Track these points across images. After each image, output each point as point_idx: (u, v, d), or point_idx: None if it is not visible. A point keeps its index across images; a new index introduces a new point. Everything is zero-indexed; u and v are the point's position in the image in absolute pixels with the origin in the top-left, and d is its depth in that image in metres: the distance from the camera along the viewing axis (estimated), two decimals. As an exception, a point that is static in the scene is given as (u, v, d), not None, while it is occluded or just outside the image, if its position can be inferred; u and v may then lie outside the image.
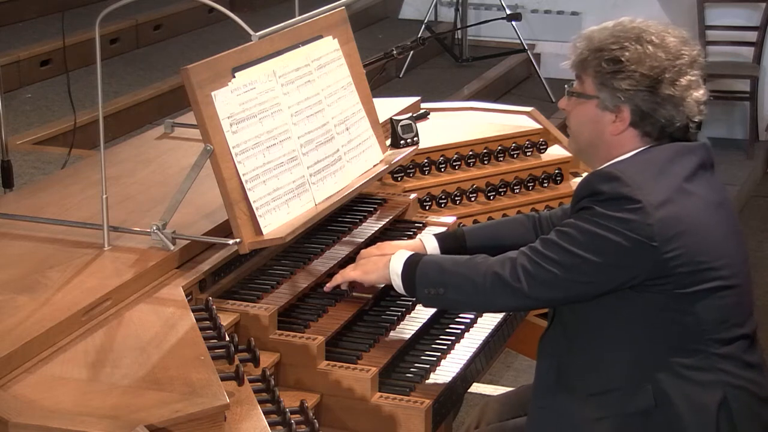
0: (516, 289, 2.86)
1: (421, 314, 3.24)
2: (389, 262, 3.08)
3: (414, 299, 3.18)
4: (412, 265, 3.03)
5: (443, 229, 3.69)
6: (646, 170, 2.83)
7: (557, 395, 2.93)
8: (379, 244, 3.32)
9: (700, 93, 2.89)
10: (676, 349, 2.83)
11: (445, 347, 3.19)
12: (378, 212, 3.70)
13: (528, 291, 2.85)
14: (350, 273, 3.16)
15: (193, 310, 2.90)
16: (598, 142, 2.93)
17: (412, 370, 3.08)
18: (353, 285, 3.18)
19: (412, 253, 3.09)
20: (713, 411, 2.82)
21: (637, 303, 2.82)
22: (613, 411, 2.85)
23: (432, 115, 4.38)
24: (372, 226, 3.61)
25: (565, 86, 3.01)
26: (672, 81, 2.84)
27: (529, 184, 4.12)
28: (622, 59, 2.84)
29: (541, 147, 4.21)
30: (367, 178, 3.52)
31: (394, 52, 4.55)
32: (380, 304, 3.26)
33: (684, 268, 2.78)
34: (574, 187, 4.08)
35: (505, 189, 4.10)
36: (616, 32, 2.89)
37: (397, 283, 3.07)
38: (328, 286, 3.20)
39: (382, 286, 3.23)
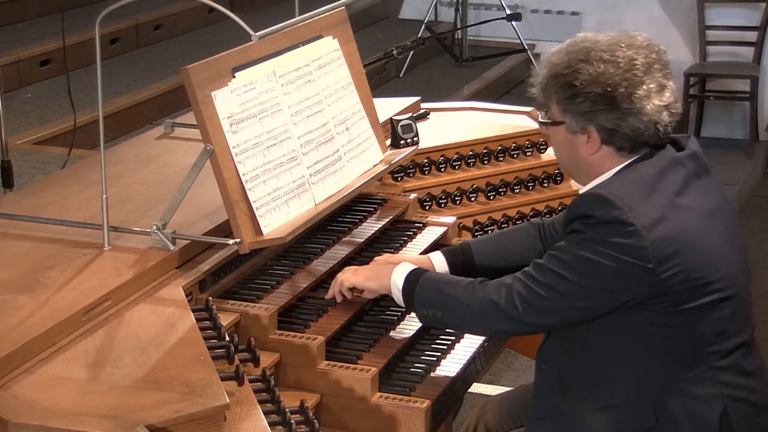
0: (512, 316, 2.85)
1: (421, 314, 3.24)
2: (391, 273, 3.08)
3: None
4: (413, 281, 3.03)
5: (443, 229, 3.70)
6: (635, 189, 2.79)
7: (558, 408, 2.91)
8: (387, 257, 3.31)
9: (664, 96, 2.83)
10: (676, 364, 2.81)
11: (445, 347, 3.19)
12: (378, 212, 3.70)
13: (524, 317, 2.84)
14: (351, 278, 3.15)
15: (193, 310, 2.90)
16: (579, 163, 2.92)
17: (412, 370, 3.08)
18: (353, 291, 3.18)
19: (415, 267, 3.08)
20: (716, 425, 2.81)
21: (635, 321, 2.79)
22: (614, 427, 2.84)
23: (432, 115, 4.38)
24: (372, 226, 3.61)
25: (538, 113, 3.00)
26: (628, 94, 2.79)
27: (529, 184, 4.12)
28: (576, 83, 2.82)
29: (541, 147, 4.21)
30: (367, 178, 3.52)
31: (394, 52, 4.56)
32: (380, 304, 3.26)
33: (681, 285, 2.75)
34: (574, 187, 4.14)
35: (505, 189, 4.10)
36: (568, 54, 2.86)
37: (398, 296, 3.06)
38: (329, 296, 3.19)
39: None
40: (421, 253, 3.45)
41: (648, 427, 2.82)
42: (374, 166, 3.60)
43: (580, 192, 2.94)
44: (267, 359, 2.92)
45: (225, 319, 2.95)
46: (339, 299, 3.17)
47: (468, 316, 2.93)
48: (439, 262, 3.27)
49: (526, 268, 2.88)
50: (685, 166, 2.86)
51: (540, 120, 2.99)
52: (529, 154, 4.19)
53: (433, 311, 2.98)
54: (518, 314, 2.84)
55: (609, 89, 2.80)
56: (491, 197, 4.06)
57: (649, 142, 2.85)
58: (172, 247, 3.08)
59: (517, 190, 4.10)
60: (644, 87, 2.81)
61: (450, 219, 3.78)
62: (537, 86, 2.93)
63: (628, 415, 2.83)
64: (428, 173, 4.01)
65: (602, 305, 2.79)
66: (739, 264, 2.90)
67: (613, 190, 2.79)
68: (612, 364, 2.84)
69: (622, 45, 2.85)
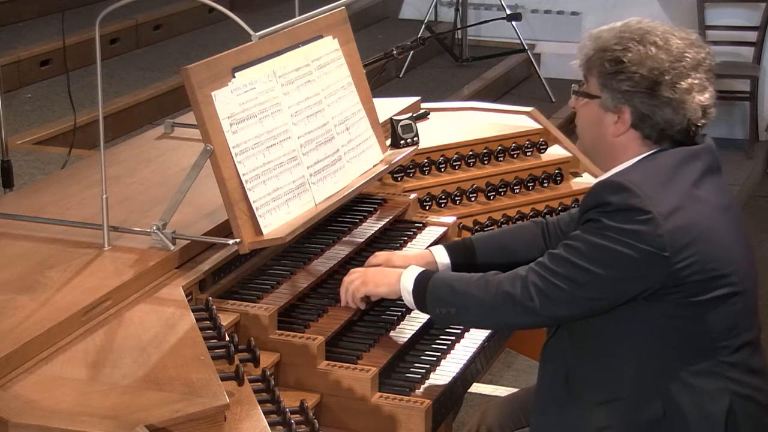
0: (528, 307, 2.84)
1: (421, 314, 3.23)
2: (400, 277, 3.07)
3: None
4: (423, 282, 3.03)
5: (443, 229, 3.70)
6: (653, 178, 2.80)
7: (562, 403, 2.90)
8: (388, 255, 3.32)
9: (704, 96, 2.85)
10: (686, 357, 2.81)
11: (445, 347, 3.19)
12: (378, 212, 3.70)
13: (541, 309, 2.83)
14: (361, 288, 3.14)
15: (193, 310, 2.90)
16: (602, 143, 2.91)
17: (412, 370, 3.07)
18: (365, 299, 3.18)
19: (423, 270, 3.08)
20: (722, 420, 2.81)
21: (647, 312, 2.79)
22: (620, 420, 2.83)
23: (432, 115, 4.38)
24: (372, 226, 3.61)
25: (573, 85, 2.99)
26: (671, 83, 2.81)
27: (529, 184, 4.12)
28: (624, 60, 2.82)
29: (541, 147, 4.21)
30: (367, 178, 3.52)
31: (394, 52, 4.55)
32: (380, 304, 3.25)
33: (695, 276, 2.76)
34: (574, 187, 4.14)
35: (505, 189, 4.09)
36: (621, 32, 2.87)
37: (409, 300, 3.06)
38: (343, 304, 3.18)
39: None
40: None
41: (655, 419, 2.81)
42: (374, 166, 3.60)
43: (597, 180, 2.94)
44: (267, 359, 2.92)
45: (225, 319, 2.95)
46: (353, 306, 3.17)
47: (482, 310, 2.92)
48: (441, 255, 3.27)
49: (541, 259, 2.87)
50: (702, 159, 2.87)
51: (574, 90, 2.97)
52: (529, 154, 4.18)
53: (447, 309, 2.97)
54: (534, 306, 2.83)
55: (655, 73, 2.81)
56: (491, 197, 4.06)
57: (675, 137, 2.86)
58: (172, 247, 3.08)
59: (517, 190, 4.10)
60: (689, 81, 2.82)
61: (450, 219, 3.78)
62: (581, 56, 2.92)
63: (635, 407, 2.83)
64: (428, 173, 4.01)
65: (619, 295, 2.79)
66: (749, 263, 2.91)
67: (630, 177, 2.80)
68: (622, 357, 2.83)
69: (676, 36, 2.86)
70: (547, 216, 3.46)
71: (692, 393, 2.81)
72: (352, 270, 3.22)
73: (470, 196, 4.03)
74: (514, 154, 4.16)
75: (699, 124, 2.87)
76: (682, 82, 2.82)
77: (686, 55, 2.84)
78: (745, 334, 2.86)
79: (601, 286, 2.79)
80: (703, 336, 2.81)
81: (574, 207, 4.01)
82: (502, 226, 3.97)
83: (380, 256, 3.31)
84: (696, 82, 2.83)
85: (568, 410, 2.90)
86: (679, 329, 2.80)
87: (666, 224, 2.74)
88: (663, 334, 2.80)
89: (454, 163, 4.06)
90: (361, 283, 3.14)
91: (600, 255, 2.77)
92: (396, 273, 3.10)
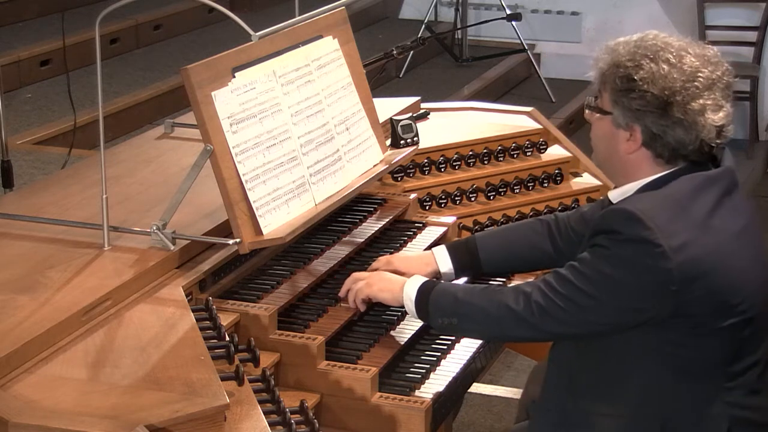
0: (530, 323, 2.84)
1: (421, 314, 3.24)
2: (404, 286, 3.08)
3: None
4: (426, 292, 3.03)
5: (443, 229, 3.70)
6: (667, 209, 2.75)
7: (564, 406, 2.91)
8: (389, 258, 3.32)
9: (718, 116, 2.77)
10: (687, 382, 2.79)
11: (445, 347, 3.19)
12: (378, 212, 3.70)
13: (541, 326, 2.83)
14: (364, 290, 3.14)
15: (193, 310, 2.90)
16: (614, 159, 2.88)
17: (412, 370, 3.07)
18: (366, 300, 3.18)
19: (426, 279, 3.09)
20: None
21: (650, 338, 2.77)
22: None
23: (432, 115, 4.38)
24: (372, 226, 3.61)
25: (587, 98, 2.96)
26: (683, 104, 2.75)
27: (529, 184, 4.12)
28: (635, 78, 2.77)
29: (541, 147, 4.21)
30: (367, 178, 3.52)
31: (394, 52, 4.55)
32: (380, 304, 3.25)
33: (703, 308, 2.73)
34: (574, 187, 4.14)
35: (505, 189, 4.09)
36: (636, 47, 2.81)
37: (411, 308, 3.07)
38: (342, 294, 3.20)
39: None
40: (422, 253, 3.46)
41: None
42: (374, 166, 3.60)
43: (609, 195, 2.92)
44: (267, 359, 2.92)
45: (225, 319, 2.95)
46: (353, 306, 3.17)
47: (485, 321, 2.92)
48: (442, 259, 3.27)
49: (546, 277, 2.86)
50: (718, 184, 2.82)
51: (587, 104, 2.93)
52: (529, 154, 4.18)
53: (449, 319, 2.97)
54: (536, 322, 2.83)
55: (666, 93, 2.75)
56: (491, 197, 4.05)
57: (689, 156, 2.82)
58: (172, 247, 3.08)
59: (517, 190, 4.10)
60: (701, 101, 2.76)
61: (450, 219, 3.78)
62: (596, 70, 2.88)
63: (634, 425, 2.82)
64: (428, 173, 4.01)
65: (621, 322, 2.78)
66: (762, 283, 2.85)
67: (643, 207, 2.75)
68: (622, 377, 2.83)
69: (691, 53, 2.80)
70: (558, 213, 3.44)
71: (691, 415, 2.80)
72: (356, 273, 3.22)
73: (470, 196, 4.03)
74: (514, 154, 4.16)
75: (713, 144, 2.80)
76: (693, 103, 2.75)
77: (699, 74, 2.77)
78: (750, 357, 2.83)
79: (603, 312, 2.78)
80: (705, 363, 2.79)
81: (575, 205, 4.02)
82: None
83: (381, 259, 3.32)
84: (709, 102, 2.77)
85: (569, 414, 2.90)
86: (682, 356, 2.78)
87: (676, 257, 2.70)
88: (665, 358, 2.78)
89: (454, 163, 4.06)
90: (366, 284, 3.15)
91: (605, 283, 2.75)
92: (400, 281, 3.10)
